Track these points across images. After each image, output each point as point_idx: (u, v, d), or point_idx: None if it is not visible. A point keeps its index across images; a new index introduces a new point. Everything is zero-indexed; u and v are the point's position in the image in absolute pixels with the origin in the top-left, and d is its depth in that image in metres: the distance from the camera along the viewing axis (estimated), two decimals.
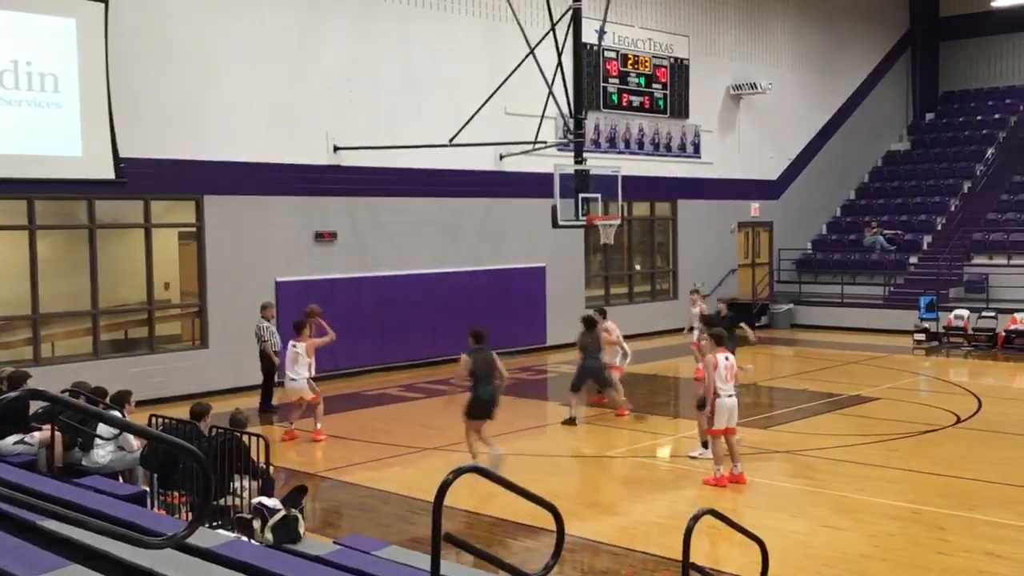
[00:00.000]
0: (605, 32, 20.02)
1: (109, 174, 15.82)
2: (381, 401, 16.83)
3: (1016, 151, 30.04)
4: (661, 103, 25.24)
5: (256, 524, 6.72)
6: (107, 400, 9.80)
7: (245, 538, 6.35)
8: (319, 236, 18.46)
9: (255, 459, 8.78)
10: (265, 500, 7.02)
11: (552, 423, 14.84)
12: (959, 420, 14.49)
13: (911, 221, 28.83)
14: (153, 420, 9.31)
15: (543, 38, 17.87)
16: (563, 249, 22.42)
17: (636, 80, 24.59)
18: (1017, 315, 22.05)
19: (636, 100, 24.58)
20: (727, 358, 11.23)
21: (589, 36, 19.36)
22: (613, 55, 23.91)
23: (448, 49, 20.34)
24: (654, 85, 25.03)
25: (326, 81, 18.48)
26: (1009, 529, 9.49)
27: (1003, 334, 22.00)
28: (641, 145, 24.80)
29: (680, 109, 25.70)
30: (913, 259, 27.38)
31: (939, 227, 28.34)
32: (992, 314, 22.76)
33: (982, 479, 11.29)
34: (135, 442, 9.43)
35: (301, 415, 14.00)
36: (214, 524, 7.59)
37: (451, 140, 18.46)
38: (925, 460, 12.19)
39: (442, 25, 20.31)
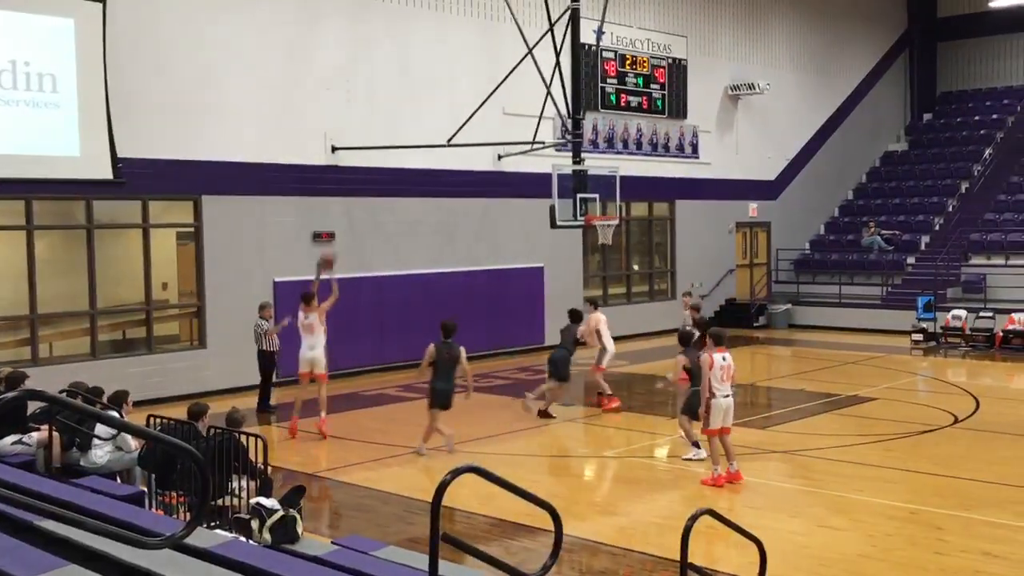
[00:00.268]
0: (603, 32, 19.98)
1: (107, 174, 15.81)
2: (379, 401, 16.82)
3: (1014, 151, 30.05)
4: (659, 103, 25.25)
5: (254, 524, 6.73)
6: (105, 400, 9.80)
7: (243, 538, 6.36)
8: (317, 236, 18.45)
9: (253, 459, 8.78)
10: (263, 500, 7.03)
11: (551, 423, 14.83)
12: (957, 420, 14.49)
13: (909, 221, 28.84)
14: (151, 420, 9.30)
15: (541, 38, 17.87)
16: (561, 249, 22.43)
17: (634, 80, 24.60)
18: (1015, 315, 22.04)
19: (634, 100, 24.59)
20: (724, 358, 11.19)
21: (587, 36, 19.36)
22: (611, 55, 23.92)
23: (446, 49, 20.34)
24: (652, 85, 25.04)
25: (324, 81, 18.49)
26: (1006, 529, 9.49)
27: (1001, 334, 22.00)
28: (639, 145, 24.81)
29: (678, 109, 25.72)
30: (911, 259, 27.39)
31: (937, 227, 28.36)
32: (990, 314, 22.76)
33: (979, 479, 11.29)
34: (133, 442, 9.43)
35: (300, 408, 13.88)
36: (212, 524, 7.59)
37: (449, 140, 18.47)
38: (923, 460, 12.19)
39: (440, 25, 20.30)
